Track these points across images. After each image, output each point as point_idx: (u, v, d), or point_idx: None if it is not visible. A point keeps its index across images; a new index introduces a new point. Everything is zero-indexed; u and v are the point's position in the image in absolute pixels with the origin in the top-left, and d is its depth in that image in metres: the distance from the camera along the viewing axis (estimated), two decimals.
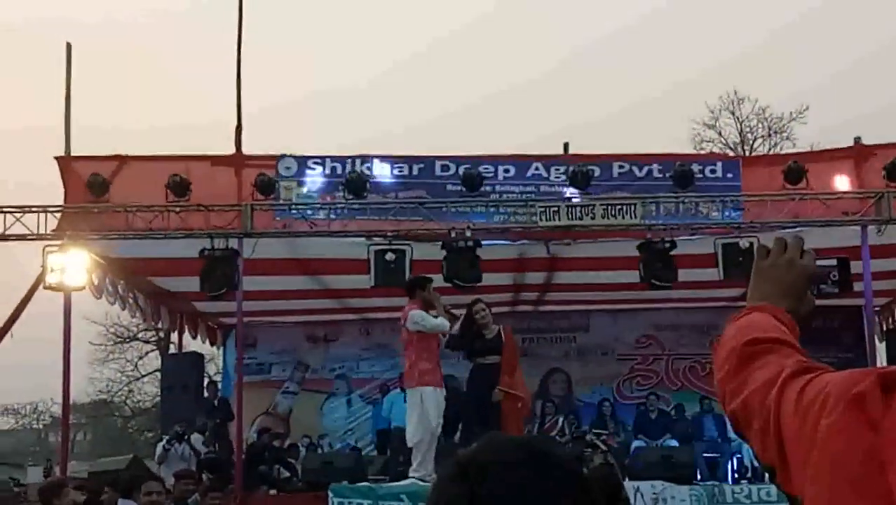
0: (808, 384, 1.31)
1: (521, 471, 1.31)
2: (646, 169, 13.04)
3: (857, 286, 12.37)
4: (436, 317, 10.81)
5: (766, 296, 1.70)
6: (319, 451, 15.78)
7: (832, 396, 1.23)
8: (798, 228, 12.13)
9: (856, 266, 11.99)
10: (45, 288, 12.23)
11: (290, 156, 13.09)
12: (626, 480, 10.40)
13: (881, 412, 1.16)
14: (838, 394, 1.22)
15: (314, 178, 12.98)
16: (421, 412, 10.83)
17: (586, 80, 62.18)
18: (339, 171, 12.96)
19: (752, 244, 11.51)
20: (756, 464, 12.33)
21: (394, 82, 66.53)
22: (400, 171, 13.05)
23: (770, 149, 29.22)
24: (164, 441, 14.48)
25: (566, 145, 13.88)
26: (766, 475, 9.03)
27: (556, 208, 12.33)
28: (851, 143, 13.15)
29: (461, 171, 12.81)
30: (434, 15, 67.86)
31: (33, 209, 12.47)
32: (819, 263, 1.83)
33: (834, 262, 1.95)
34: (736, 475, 13.70)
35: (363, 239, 12.66)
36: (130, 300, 14.74)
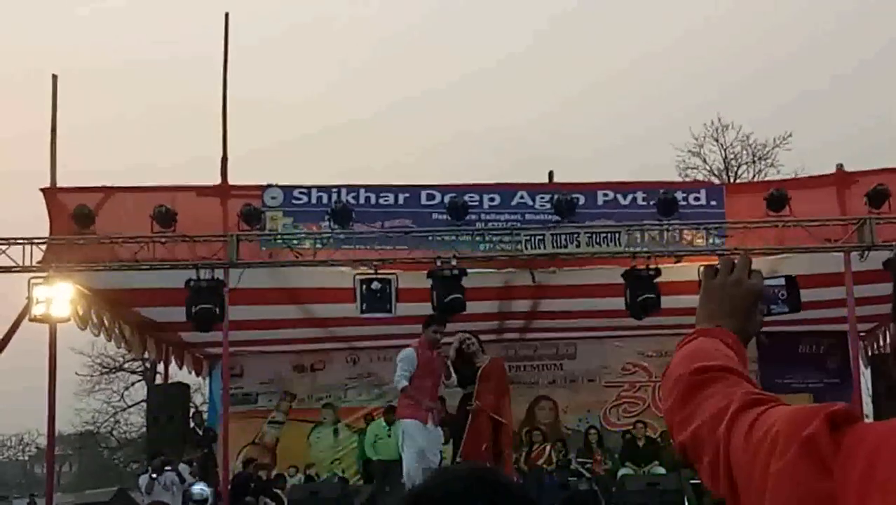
0: (757, 419, 1.29)
1: (472, 503, 1.32)
2: (630, 197, 13.10)
3: (842, 312, 12.47)
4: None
5: (713, 316, 1.68)
6: (306, 480, 15.71)
7: (782, 436, 1.21)
8: (781, 255, 12.25)
9: (840, 292, 12.08)
10: (31, 320, 12.19)
11: (276, 186, 13.10)
12: None
13: (832, 455, 1.16)
14: (788, 434, 1.20)
15: (299, 208, 13.00)
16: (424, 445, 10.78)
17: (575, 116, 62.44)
18: (325, 200, 13.00)
19: None
20: None
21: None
22: (385, 200, 13.08)
23: (755, 175, 29.34)
24: (150, 471, 14.40)
25: (551, 174, 13.96)
26: None
27: (541, 236, 12.38)
28: (833, 170, 13.25)
29: (446, 199, 12.85)
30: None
31: (18, 241, 12.41)
32: (767, 282, 1.80)
33: (783, 281, 1.91)
34: None
35: (349, 268, 12.68)
36: (116, 331, 14.69)
